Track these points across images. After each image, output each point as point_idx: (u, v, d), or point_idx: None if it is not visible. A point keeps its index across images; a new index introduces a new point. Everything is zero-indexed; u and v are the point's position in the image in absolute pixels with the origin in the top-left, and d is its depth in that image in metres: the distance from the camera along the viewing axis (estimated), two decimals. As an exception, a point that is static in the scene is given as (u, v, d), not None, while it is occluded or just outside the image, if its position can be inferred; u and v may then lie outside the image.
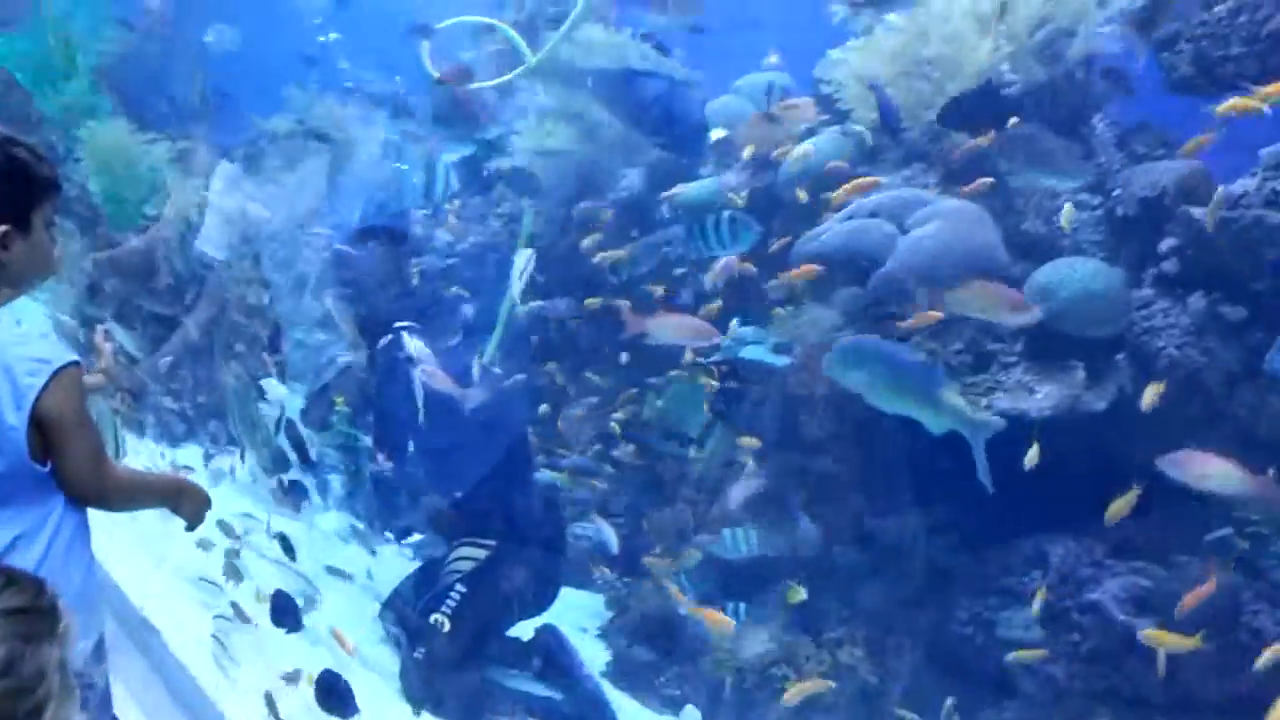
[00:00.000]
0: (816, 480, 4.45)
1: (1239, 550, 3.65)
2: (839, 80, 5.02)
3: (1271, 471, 3.31)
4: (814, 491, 4.46)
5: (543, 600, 4.81)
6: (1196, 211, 3.81)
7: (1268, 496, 3.31)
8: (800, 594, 4.16)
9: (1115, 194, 4.36)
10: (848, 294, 4.48)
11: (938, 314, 4.01)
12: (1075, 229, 4.37)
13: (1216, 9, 4.13)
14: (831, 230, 4.53)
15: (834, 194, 4.52)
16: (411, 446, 5.10)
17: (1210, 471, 3.34)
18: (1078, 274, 4.00)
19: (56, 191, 2.17)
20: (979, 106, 4.47)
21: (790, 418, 4.62)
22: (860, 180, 4.51)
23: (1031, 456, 3.61)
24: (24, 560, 1.98)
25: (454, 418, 4.91)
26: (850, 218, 4.55)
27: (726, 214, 4.58)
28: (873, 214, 4.47)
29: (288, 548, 4.58)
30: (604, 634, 5.07)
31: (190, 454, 6.42)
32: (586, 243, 5.48)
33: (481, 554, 4.62)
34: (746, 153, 5.20)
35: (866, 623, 4.32)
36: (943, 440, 3.94)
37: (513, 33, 5.87)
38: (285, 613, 4.02)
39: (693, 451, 5.03)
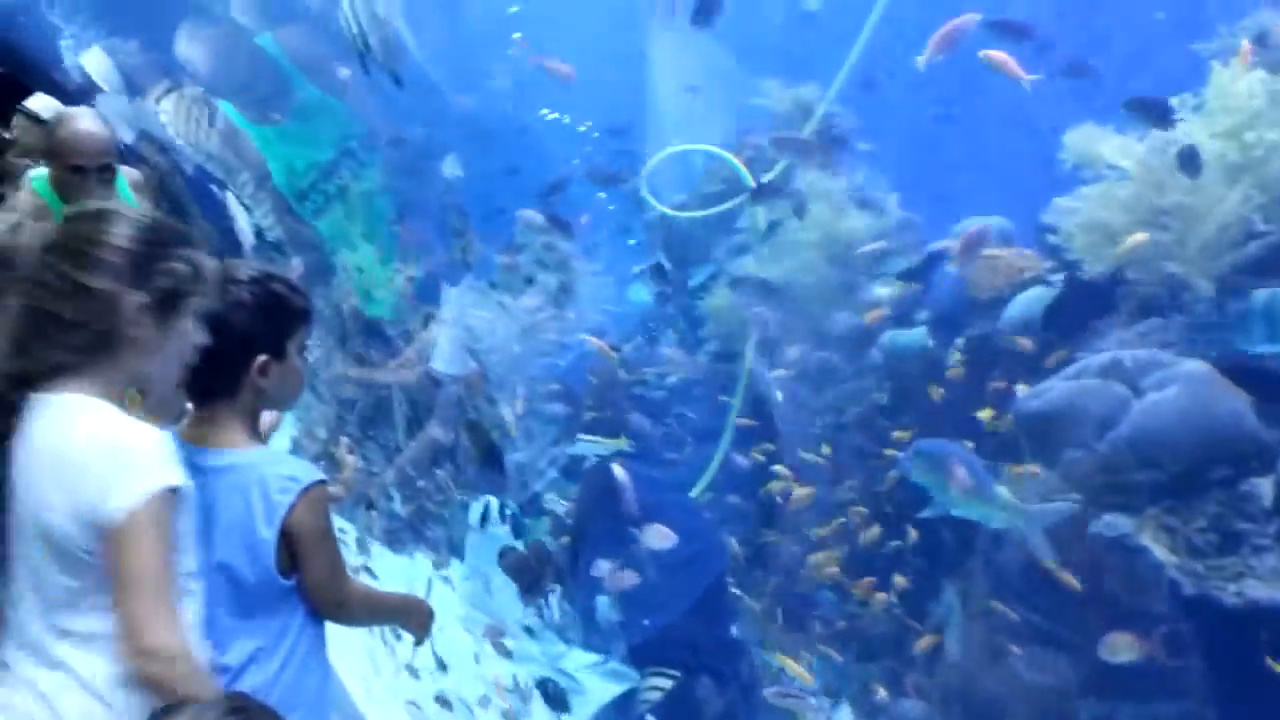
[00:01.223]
0: (1034, 657, 4.17)
1: None
2: (1068, 230, 4.87)
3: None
4: (1033, 670, 4.18)
5: None
6: None
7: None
8: None
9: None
10: (1075, 456, 4.24)
11: None
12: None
13: None
14: (1058, 388, 4.35)
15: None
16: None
17: (1111, 645, 3.75)
18: (1345, 450, 3.64)
19: (309, 320, 2.31)
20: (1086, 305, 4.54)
21: (1009, 581, 4.39)
22: None
23: None
24: (262, 673, 2.10)
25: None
26: (1079, 375, 4.37)
27: None
28: (1104, 373, 4.27)
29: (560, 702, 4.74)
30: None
31: (411, 562, 6.81)
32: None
33: (669, 684, 4.63)
34: None
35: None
36: (1191, 618, 3.65)
37: (737, 161, 6.05)
38: None
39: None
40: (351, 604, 2.29)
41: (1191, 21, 5.16)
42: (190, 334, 2.02)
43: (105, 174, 3.56)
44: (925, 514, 4.65)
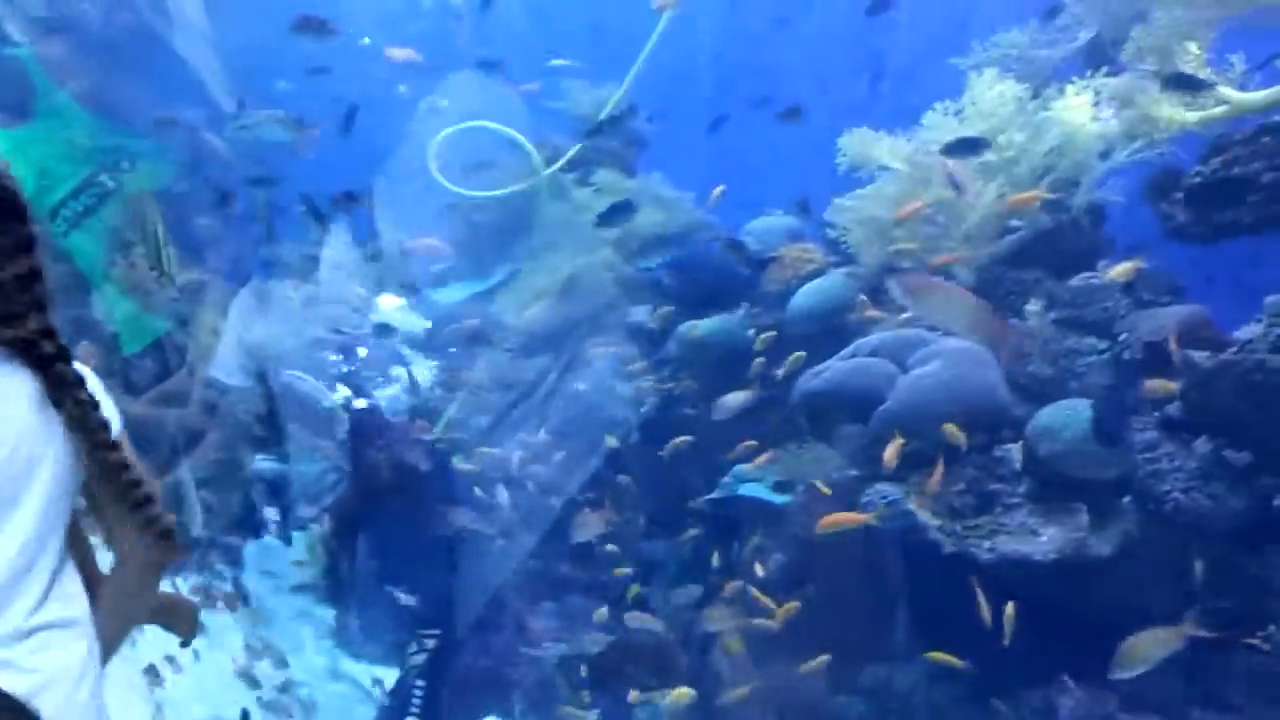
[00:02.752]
0: (818, 624, 4.30)
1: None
2: (844, 225, 5.13)
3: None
4: (816, 637, 4.30)
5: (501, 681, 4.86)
6: (1198, 356, 3.78)
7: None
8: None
9: (1122, 338, 4.36)
10: (850, 431, 4.44)
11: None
12: (1083, 371, 4.35)
13: (1212, 162, 4.22)
14: (833, 368, 4.54)
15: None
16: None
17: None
18: (1081, 415, 3.95)
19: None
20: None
21: (791, 558, 4.52)
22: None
23: None
24: None
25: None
26: (853, 355, 4.58)
27: None
28: (874, 352, 4.50)
29: None
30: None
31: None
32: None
33: (431, 643, 4.63)
34: None
35: (870, 778, 4.11)
36: (947, 584, 3.85)
37: (528, 145, 5.99)
38: None
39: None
40: None
41: (952, 39, 5.57)
42: None
43: None
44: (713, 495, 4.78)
